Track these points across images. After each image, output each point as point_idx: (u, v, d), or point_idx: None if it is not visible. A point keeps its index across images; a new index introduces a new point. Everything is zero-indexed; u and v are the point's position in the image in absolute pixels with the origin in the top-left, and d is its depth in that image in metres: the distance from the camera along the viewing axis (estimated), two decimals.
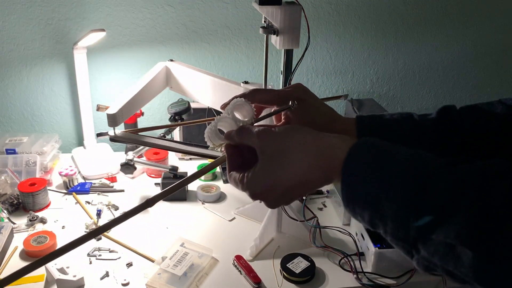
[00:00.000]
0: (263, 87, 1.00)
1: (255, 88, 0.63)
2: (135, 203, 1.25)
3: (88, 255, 1.03)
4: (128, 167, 1.21)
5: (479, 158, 0.62)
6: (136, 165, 1.22)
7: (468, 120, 0.64)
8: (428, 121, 0.64)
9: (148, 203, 0.53)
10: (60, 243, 1.06)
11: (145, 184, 1.35)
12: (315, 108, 0.66)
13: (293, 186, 0.50)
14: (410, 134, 0.63)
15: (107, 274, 0.97)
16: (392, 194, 0.42)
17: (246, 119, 0.60)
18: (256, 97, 0.63)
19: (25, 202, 1.18)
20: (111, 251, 1.05)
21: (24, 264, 1.00)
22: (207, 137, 0.59)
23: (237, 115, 0.60)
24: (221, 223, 1.18)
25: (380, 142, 0.47)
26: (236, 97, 0.62)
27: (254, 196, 0.53)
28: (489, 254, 0.37)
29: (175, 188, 0.55)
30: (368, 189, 0.44)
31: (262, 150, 0.51)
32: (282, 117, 0.67)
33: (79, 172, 1.36)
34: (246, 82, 1.02)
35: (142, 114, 1.42)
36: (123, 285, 0.95)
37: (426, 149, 0.62)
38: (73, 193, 1.27)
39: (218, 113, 1.15)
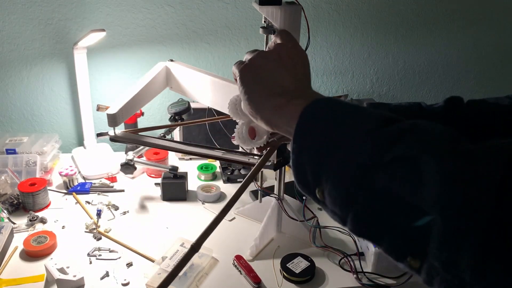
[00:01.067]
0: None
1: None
2: (135, 203, 1.25)
3: (88, 255, 1.03)
4: (128, 167, 1.21)
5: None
6: (136, 165, 1.22)
7: (475, 111, 0.64)
8: (436, 109, 0.65)
9: (194, 248, 0.54)
10: (60, 243, 1.06)
11: (145, 184, 1.35)
12: None
13: (274, 70, 0.53)
14: None
15: (107, 274, 0.98)
16: (348, 139, 0.40)
17: (263, 139, 0.61)
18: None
19: (25, 202, 1.18)
20: (111, 251, 1.05)
21: (24, 264, 1.00)
22: (231, 111, 0.61)
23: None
24: (221, 223, 1.17)
25: (339, 98, 0.48)
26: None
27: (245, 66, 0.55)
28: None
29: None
30: (322, 128, 0.42)
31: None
32: None
33: (79, 172, 1.36)
34: None
35: (142, 114, 1.42)
36: (123, 285, 0.95)
37: None
38: (73, 193, 1.27)
39: (218, 113, 1.15)
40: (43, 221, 1.14)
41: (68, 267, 0.95)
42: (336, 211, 0.41)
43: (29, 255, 1.02)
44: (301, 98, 0.47)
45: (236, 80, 0.55)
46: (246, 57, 0.57)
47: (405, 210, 0.36)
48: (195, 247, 0.54)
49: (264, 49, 0.99)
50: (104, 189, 1.29)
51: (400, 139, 0.37)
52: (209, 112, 1.39)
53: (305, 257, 1.02)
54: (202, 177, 1.38)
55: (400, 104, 0.67)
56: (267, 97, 0.51)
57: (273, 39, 0.60)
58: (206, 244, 1.07)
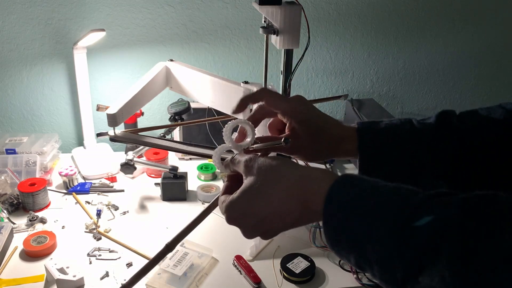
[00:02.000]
0: (263, 87, 1.00)
1: (264, 88, 0.62)
2: (135, 203, 1.25)
3: (88, 255, 1.03)
4: (128, 167, 1.21)
5: (479, 164, 0.61)
6: (136, 165, 1.22)
7: (468, 125, 0.63)
8: (427, 126, 0.63)
9: (169, 247, 0.54)
10: (60, 243, 1.06)
11: (145, 184, 1.35)
12: (317, 126, 0.63)
13: (268, 217, 0.50)
14: (410, 139, 0.63)
15: (107, 274, 0.97)
16: (375, 236, 0.41)
17: (248, 140, 0.59)
18: (264, 99, 0.62)
19: (25, 202, 1.18)
20: (111, 251, 1.05)
21: (24, 264, 1.00)
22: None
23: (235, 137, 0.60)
24: (221, 223, 1.18)
25: (361, 178, 0.46)
26: (243, 99, 0.62)
27: (229, 220, 0.53)
28: None
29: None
30: (350, 232, 0.43)
31: (245, 179, 0.52)
32: (286, 130, 0.64)
33: (79, 172, 1.36)
34: (246, 82, 1.02)
35: (142, 114, 1.42)
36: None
37: (425, 154, 0.61)
38: (73, 193, 1.27)
39: (218, 113, 1.15)
40: (43, 221, 1.14)
41: (68, 267, 0.95)
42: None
43: (29, 255, 1.02)
44: (310, 213, 0.48)
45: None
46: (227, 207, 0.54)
47: None
48: (170, 246, 0.55)
49: (265, 49, 0.99)
50: (104, 189, 1.29)
51: (423, 267, 0.38)
52: (209, 112, 1.39)
53: (305, 257, 1.02)
54: (202, 177, 1.38)
55: (391, 121, 0.64)
56: (280, 230, 0.51)
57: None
58: (206, 244, 1.08)
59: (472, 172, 0.62)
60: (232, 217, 0.53)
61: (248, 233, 0.53)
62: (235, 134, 0.60)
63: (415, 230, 0.39)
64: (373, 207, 0.42)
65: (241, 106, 0.62)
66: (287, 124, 0.63)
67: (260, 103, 0.63)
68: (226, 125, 0.57)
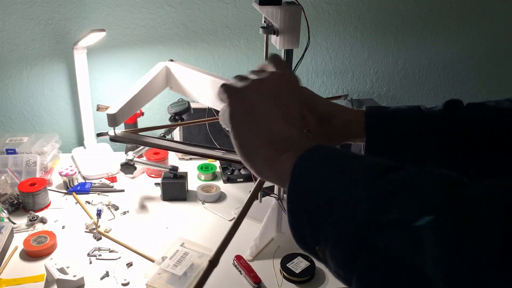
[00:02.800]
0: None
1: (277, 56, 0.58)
2: (135, 203, 1.25)
3: (88, 255, 1.03)
4: (128, 167, 1.21)
5: (484, 154, 0.61)
6: (136, 165, 1.22)
7: (475, 114, 0.63)
8: (435, 113, 0.63)
9: (213, 263, 0.51)
10: (60, 243, 1.06)
11: (145, 184, 1.35)
12: (325, 111, 0.62)
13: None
14: (416, 125, 0.63)
15: (107, 274, 0.98)
16: (338, 195, 0.38)
17: None
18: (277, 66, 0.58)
19: (25, 202, 1.18)
20: (111, 251, 1.05)
21: (24, 264, 1.00)
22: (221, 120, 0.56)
23: None
24: (221, 223, 1.18)
25: (330, 148, 0.43)
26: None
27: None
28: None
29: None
30: (313, 191, 0.40)
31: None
32: None
33: (79, 172, 1.36)
34: None
35: (142, 114, 1.42)
36: (123, 285, 0.95)
37: (431, 141, 0.61)
38: (73, 193, 1.27)
39: (218, 113, 1.15)
40: (43, 221, 1.14)
41: (68, 267, 0.95)
42: (339, 272, 0.39)
43: (29, 255, 1.02)
44: (291, 149, 0.44)
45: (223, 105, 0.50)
46: (236, 83, 0.50)
47: (408, 273, 0.34)
48: (213, 261, 0.51)
49: (265, 49, 0.99)
50: (104, 189, 1.29)
51: (393, 200, 0.35)
52: (209, 112, 1.39)
53: (305, 257, 1.02)
54: (202, 177, 1.38)
55: (398, 107, 0.65)
56: (259, 147, 0.47)
57: (263, 65, 0.55)
58: (206, 244, 1.08)
59: (477, 161, 0.62)
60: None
61: (234, 112, 0.49)
62: None
63: (379, 189, 0.36)
64: (340, 168, 0.40)
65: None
66: None
67: None
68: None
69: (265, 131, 0.48)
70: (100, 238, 1.09)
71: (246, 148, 0.48)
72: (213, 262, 0.50)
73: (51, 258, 1.01)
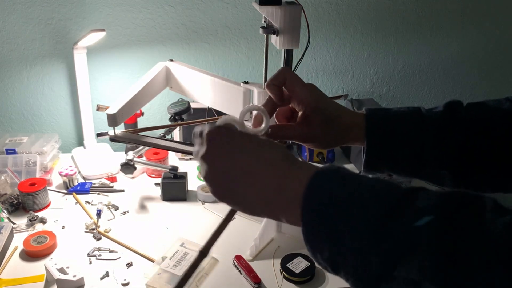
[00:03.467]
0: (263, 87, 1.00)
1: (286, 68, 0.58)
2: (135, 203, 1.25)
3: (88, 255, 1.03)
4: (128, 167, 1.21)
5: (484, 155, 0.61)
6: (136, 165, 1.22)
7: (475, 115, 0.63)
8: (435, 115, 0.63)
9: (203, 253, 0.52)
10: (60, 243, 1.06)
11: (145, 184, 1.35)
12: (330, 114, 0.62)
13: (237, 174, 0.48)
14: (416, 127, 0.63)
15: (107, 274, 0.98)
16: (354, 226, 0.40)
17: (263, 126, 0.57)
18: (286, 81, 0.60)
19: (25, 202, 1.18)
20: (111, 251, 1.05)
21: (24, 264, 1.00)
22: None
23: (248, 124, 0.56)
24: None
25: (343, 170, 0.45)
26: (268, 84, 0.59)
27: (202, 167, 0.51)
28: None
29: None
30: (329, 220, 0.42)
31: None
32: (299, 118, 0.63)
33: (79, 172, 1.36)
34: (246, 82, 1.02)
35: (142, 114, 1.42)
36: (123, 285, 0.95)
37: (431, 143, 0.61)
38: (73, 193, 1.27)
39: (218, 113, 1.15)
40: (43, 221, 1.14)
41: (68, 267, 0.95)
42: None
43: (29, 255, 1.02)
44: (289, 190, 0.45)
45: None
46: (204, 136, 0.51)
47: None
48: (204, 251, 0.52)
49: (265, 49, 0.99)
50: (104, 189, 1.29)
51: (400, 259, 0.38)
52: (209, 112, 1.39)
53: (305, 257, 1.02)
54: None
55: (399, 109, 0.64)
56: (256, 209, 0.49)
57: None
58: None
59: (478, 163, 0.62)
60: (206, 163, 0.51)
61: (214, 185, 0.51)
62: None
63: (395, 221, 0.39)
64: (355, 196, 0.42)
65: (271, 90, 0.61)
66: (300, 113, 0.63)
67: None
68: (242, 109, 0.56)
69: (246, 195, 0.48)
70: (100, 238, 1.09)
71: (249, 211, 0.50)
72: (203, 252, 0.51)
73: (51, 258, 1.01)
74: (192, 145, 1.02)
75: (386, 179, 0.43)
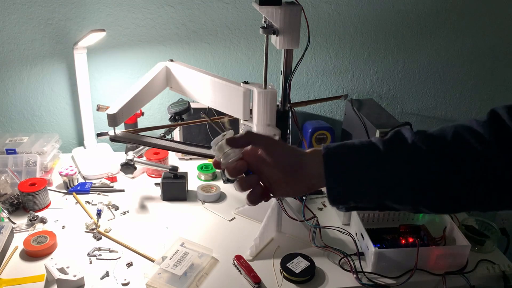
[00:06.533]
0: (263, 87, 1.00)
1: (249, 132, 0.64)
2: (135, 203, 1.25)
3: (88, 255, 1.03)
4: (128, 167, 1.21)
5: (437, 185, 0.59)
6: (136, 165, 1.23)
7: (423, 147, 0.59)
8: (390, 151, 0.60)
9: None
10: (60, 243, 1.06)
11: (145, 184, 1.35)
12: (292, 165, 0.64)
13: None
14: (373, 168, 0.60)
15: (107, 274, 0.98)
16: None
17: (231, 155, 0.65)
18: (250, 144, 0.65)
19: (25, 202, 1.18)
20: (111, 251, 1.05)
21: (24, 264, 1.00)
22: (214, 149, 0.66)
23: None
24: (221, 223, 1.18)
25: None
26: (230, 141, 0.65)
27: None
28: None
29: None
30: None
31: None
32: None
33: (79, 172, 1.36)
34: (246, 82, 1.02)
35: (142, 114, 1.42)
36: (123, 285, 0.95)
37: (388, 180, 0.59)
38: (73, 193, 1.27)
39: (218, 113, 1.15)
40: (43, 221, 1.14)
41: (68, 267, 0.95)
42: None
43: (29, 255, 1.02)
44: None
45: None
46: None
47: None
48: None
49: (265, 49, 0.99)
50: (104, 189, 1.29)
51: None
52: (209, 112, 1.39)
53: (305, 257, 1.02)
54: (202, 177, 1.38)
55: (356, 147, 0.62)
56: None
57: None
58: (206, 244, 1.08)
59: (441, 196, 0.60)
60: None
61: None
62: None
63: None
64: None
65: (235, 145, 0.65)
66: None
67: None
68: (214, 140, 0.65)
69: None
70: (100, 238, 1.09)
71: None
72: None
73: (51, 258, 1.02)
74: (192, 145, 1.02)
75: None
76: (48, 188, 1.24)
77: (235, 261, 1.02)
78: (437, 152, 0.59)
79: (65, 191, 1.28)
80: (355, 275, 0.99)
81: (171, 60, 1.17)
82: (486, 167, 0.57)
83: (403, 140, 0.61)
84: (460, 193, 0.58)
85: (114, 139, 1.04)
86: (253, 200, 0.69)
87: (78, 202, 1.24)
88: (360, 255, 1.05)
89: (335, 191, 0.61)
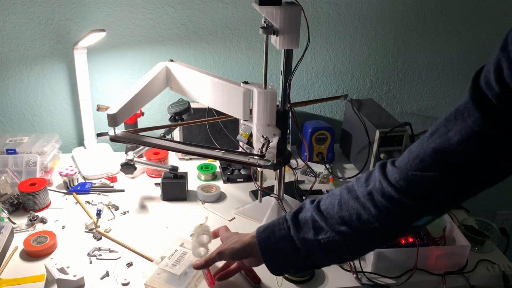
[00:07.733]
0: (263, 87, 1.00)
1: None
2: (135, 203, 1.25)
3: (88, 255, 1.03)
4: (128, 167, 1.21)
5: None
6: (136, 165, 1.23)
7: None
8: (302, 240, 0.79)
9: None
10: (60, 243, 1.06)
11: (145, 184, 1.35)
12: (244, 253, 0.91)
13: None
14: (290, 252, 0.81)
15: (107, 274, 0.98)
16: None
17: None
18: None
19: (26, 202, 1.18)
20: (111, 251, 1.05)
21: (24, 264, 1.00)
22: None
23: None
24: (221, 223, 1.18)
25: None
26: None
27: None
28: None
29: None
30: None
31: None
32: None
33: (79, 172, 1.36)
34: (246, 82, 1.02)
35: (142, 114, 1.42)
36: (123, 285, 0.95)
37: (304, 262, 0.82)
38: (73, 193, 1.27)
39: (218, 113, 1.15)
40: (43, 221, 1.14)
41: (68, 267, 0.95)
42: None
43: (29, 255, 1.02)
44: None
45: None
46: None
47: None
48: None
49: (265, 49, 0.99)
50: (104, 189, 1.29)
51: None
52: (209, 112, 1.39)
53: None
54: (202, 177, 1.38)
55: (276, 237, 0.84)
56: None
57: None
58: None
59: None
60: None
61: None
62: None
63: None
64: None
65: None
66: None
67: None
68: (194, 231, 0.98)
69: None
70: (100, 238, 1.09)
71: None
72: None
73: (51, 258, 1.02)
74: (192, 145, 1.02)
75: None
76: (48, 188, 1.24)
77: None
78: (328, 226, 0.78)
79: (65, 191, 1.28)
80: (355, 275, 0.99)
81: (171, 60, 1.17)
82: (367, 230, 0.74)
83: (305, 222, 0.81)
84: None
85: (114, 139, 1.04)
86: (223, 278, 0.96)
87: (78, 202, 1.24)
88: None
89: (271, 269, 0.84)
